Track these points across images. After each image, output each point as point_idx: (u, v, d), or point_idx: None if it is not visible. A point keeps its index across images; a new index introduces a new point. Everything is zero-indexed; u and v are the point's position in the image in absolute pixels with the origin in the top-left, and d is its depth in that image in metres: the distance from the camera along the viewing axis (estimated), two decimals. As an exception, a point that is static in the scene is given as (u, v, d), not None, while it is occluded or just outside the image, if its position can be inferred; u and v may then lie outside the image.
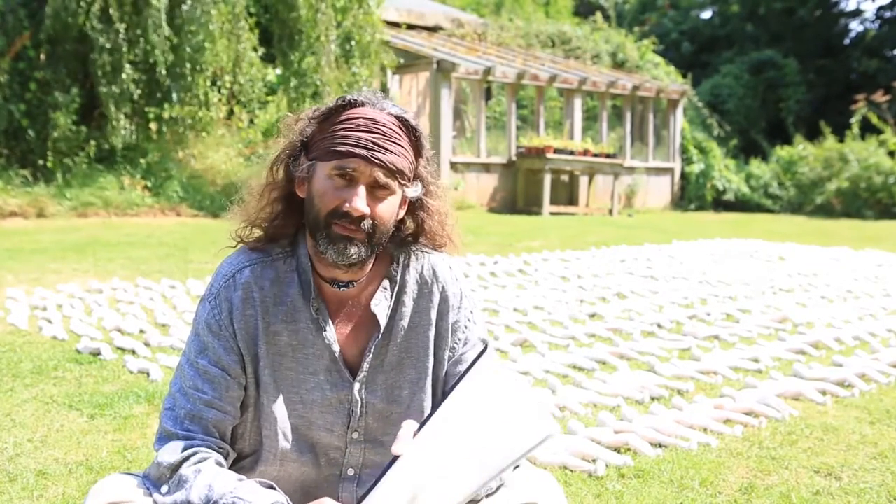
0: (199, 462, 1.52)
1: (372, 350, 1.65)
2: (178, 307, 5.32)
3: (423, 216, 1.68)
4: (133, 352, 4.22)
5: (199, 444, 1.55)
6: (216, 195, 11.47)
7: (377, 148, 1.54)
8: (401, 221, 1.66)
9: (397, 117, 1.58)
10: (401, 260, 1.70)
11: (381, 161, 1.54)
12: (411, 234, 1.70)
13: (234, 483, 1.46)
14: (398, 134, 1.57)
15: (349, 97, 1.58)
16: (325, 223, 1.55)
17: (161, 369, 3.87)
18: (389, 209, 1.59)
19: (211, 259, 7.39)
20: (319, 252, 1.59)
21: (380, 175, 1.54)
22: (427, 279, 1.71)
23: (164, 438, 1.57)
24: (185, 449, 1.53)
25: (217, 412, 1.58)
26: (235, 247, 1.70)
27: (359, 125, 1.55)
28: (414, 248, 1.72)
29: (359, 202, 1.53)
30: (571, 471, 2.79)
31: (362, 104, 1.58)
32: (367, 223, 1.55)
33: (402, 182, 1.59)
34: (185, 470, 1.50)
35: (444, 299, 1.72)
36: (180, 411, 1.58)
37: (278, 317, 1.62)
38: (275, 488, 1.48)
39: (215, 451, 1.57)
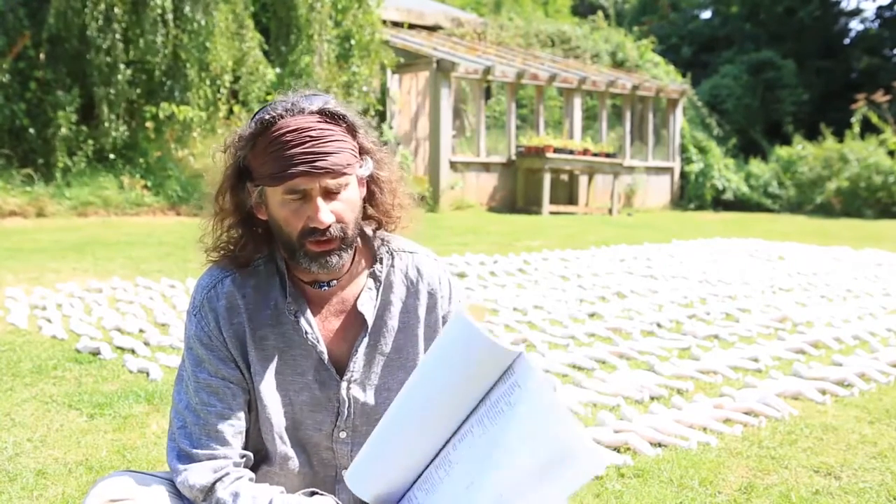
0: (234, 482, 1.52)
1: (359, 350, 1.65)
2: (178, 306, 5.32)
3: (374, 189, 1.66)
4: (133, 351, 4.21)
5: (224, 460, 1.55)
6: (215, 195, 11.46)
7: (314, 157, 1.50)
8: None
9: (319, 112, 1.54)
10: (384, 260, 1.70)
11: (325, 168, 1.51)
12: (373, 207, 1.68)
13: (276, 495, 1.49)
14: (328, 129, 1.53)
15: (266, 116, 1.53)
16: (300, 244, 1.55)
17: (161, 369, 3.87)
18: (351, 203, 1.57)
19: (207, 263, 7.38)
20: (302, 267, 1.59)
21: (329, 182, 1.52)
22: (413, 279, 1.72)
23: (183, 457, 1.56)
24: (215, 470, 1.53)
25: (231, 422, 1.58)
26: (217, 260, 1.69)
27: (287, 141, 1.50)
28: (396, 249, 1.72)
29: (322, 215, 1.52)
30: (571, 470, 2.79)
31: (281, 116, 1.52)
32: (335, 228, 1.54)
33: (349, 173, 1.56)
34: (221, 493, 1.51)
35: (431, 294, 1.72)
36: (194, 428, 1.57)
37: (263, 321, 1.62)
38: (317, 493, 1.51)
39: (240, 464, 1.57)
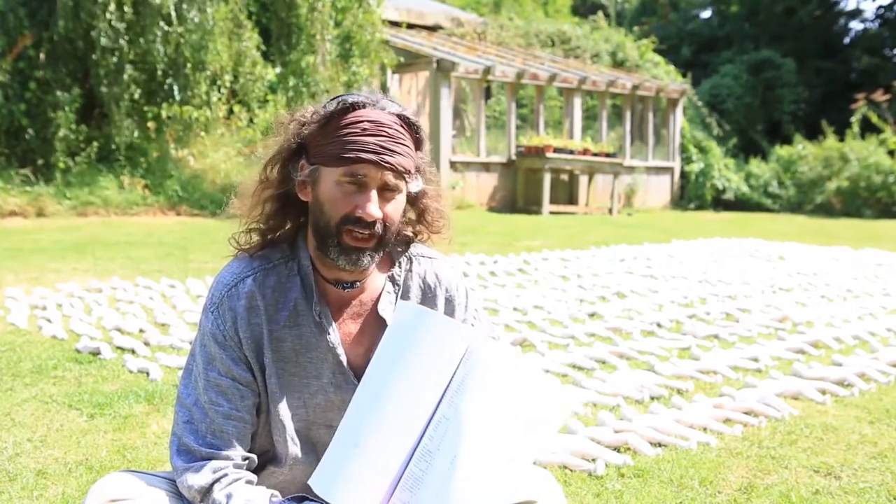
0: (230, 484, 1.53)
1: None
2: (178, 306, 5.32)
3: (425, 203, 1.69)
4: (133, 351, 4.21)
5: (225, 461, 1.55)
6: (215, 194, 11.47)
7: (385, 151, 1.53)
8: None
9: (399, 116, 1.58)
10: (403, 263, 1.70)
11: (391, 164, 1.54)
12: (414, 221, 1.70)
13: (269, 500, 1.49)
14: (402, 134, 1.57)
15: (350, 99, 1.56)
16: (337, 230, 1.55)
17: (161, 369, 3.87)
18: (398, 209, 1.60)
19: (211, 259, 7.39)
20: (329, 258, 1.58)
21: (389, 178, 1.55)
22: (430, 284, 1.72)
23: (184, 453, 1.56)
24: (214, 471, 1.53)
25: (236, 423, 1.58)
26: (235, 253, 1.69)
27: (364, 129, 1.53)
28: (415, 254, 1.72)
29: (372, 208, 1.54)
30: (571, 470, 2.79)
31: (363, 105, 1.56)
32: (378, 226, 1.56)
33: (408, 180, 1.60)
34: (216, 493, 1.51)
35: (448, 300, 1.73)
36: (200, 425, 1.57)
37: (281, 323, 1.61)
38: (307, 498, 1.50)
39: (242, 466, 1.57)
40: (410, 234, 1.72)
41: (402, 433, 1.44)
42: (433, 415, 1.44)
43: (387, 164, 1.53)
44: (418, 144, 1.63)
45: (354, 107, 1.56)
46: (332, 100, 1.60)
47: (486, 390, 1.43)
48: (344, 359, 1.63)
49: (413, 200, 1.67)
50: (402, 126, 1.58)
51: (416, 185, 1.63)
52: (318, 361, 1.63)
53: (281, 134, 1.63)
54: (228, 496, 1.50)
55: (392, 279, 1.69)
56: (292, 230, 1.67)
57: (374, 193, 1.54)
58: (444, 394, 1.44)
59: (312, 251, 1.63)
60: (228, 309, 1.60)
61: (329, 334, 1.62)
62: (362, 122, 1.54)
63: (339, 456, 1.45)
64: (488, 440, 1.40)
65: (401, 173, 1.56)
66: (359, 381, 1.63)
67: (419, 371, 1.44)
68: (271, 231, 1.65)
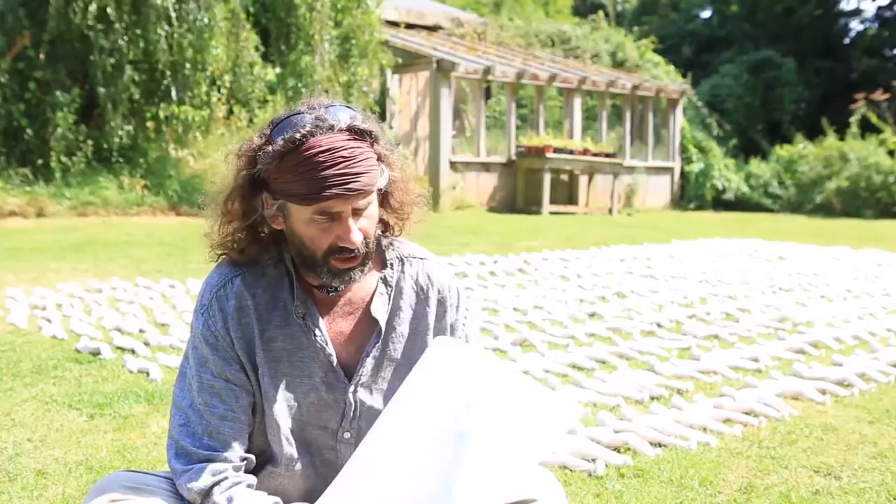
0: (231, 488, 1.53)
1: (371, 354, 1.65)
2: (178, 307, 5.31)
3: (389, 190, 1.65)
4: (133, 351, 4.21)
5: (223, 462, 1.55)
6: (216, 195, 11.46)
7: (348, 179, 1.48)
8: None
9: (348, 129, 1.52)
10: (395, 265, 1.70)
11: (358, 190, 1.50)
12: (384, 209, 1.67)
13: None
14: (358, 148, 1.51)
15: (297, 135, 1.49)
16: (324, 261, 1.56)
17: (161, 369, 3.87)
18: (373, 218, 1.59)
19: (211, 259, 7.39)
20: (321, 280, 1.59)
21: (360, 202, 1.53)
22: (423, 285, 1.71)
23: (182, 456, 1.56)
24: (213, 473, 1.53)
25: (232, 424, 1.58)
26: (217, 259, 1.69)
27: (321, 162, 1.47)
28: (407, 255, 1.72)
29: (353, 236, 1.53)
30: (571, 470, 2.79)
31: (312, 133, 1.49)
32: (361, 246, 1.55)
33: (378, 187, 1.58)
34: (217, 497, 1.51)
35: (441, 301, 1.72)
36: (197, 428, 1.56)
37: (272, 322, 1.62)
38: None
39: (240, 468, 1.57)
40: (382, 228, 1.68)
41: (424, 474, 1.46)
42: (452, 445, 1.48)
43: (353, 193, 1.49)
44: (375, 142, 1.57)
45: (304, 140, 1.49)
46: (275, 127, 1.54)
47: (494, 410, 1.47)
48: (334, 358, 1.63)
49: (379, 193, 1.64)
50: (354, 139, 1.52)
51: (383, 180, 1.59)
52: (309, 361, 1.63)
53: (233, 166, 1.59)
54: (229, 500, 1.50)
55: (385, 280, 1.69)
56: (271, 238, 1.65)
57: (350, 222, 1.52)
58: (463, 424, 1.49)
59: (297, 259, 1.62)
60: (218, 310, 1.61)
61: (316, 335, 1.62)
62: (316, 154, 1.48)
63: (355, 486, 1.47)
64: (494, 455, 1.44)
65: (369, 192, 1.53)
66: (350, 380, 1.65)
67: (447, 414, 1.49)
68: (250, 253, 1.64)
